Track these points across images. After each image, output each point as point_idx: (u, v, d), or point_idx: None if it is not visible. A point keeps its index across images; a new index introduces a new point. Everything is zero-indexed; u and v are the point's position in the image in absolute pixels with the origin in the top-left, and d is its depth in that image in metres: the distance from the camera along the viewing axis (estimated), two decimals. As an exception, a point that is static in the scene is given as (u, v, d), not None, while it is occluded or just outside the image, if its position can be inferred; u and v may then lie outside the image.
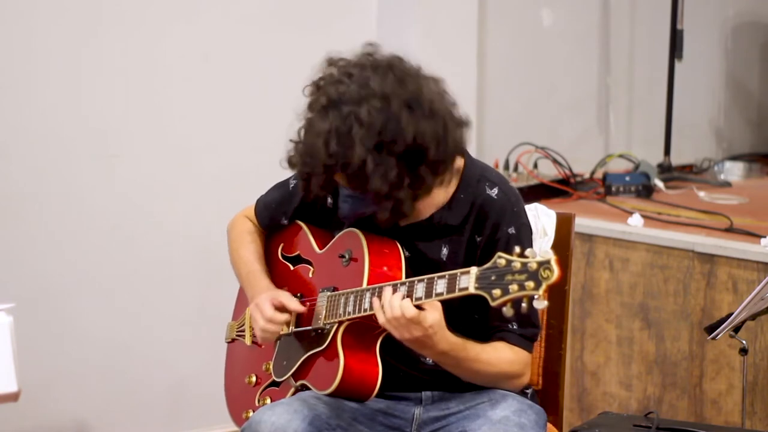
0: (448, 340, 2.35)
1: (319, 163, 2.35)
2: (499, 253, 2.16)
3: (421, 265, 2.48)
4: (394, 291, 2.32)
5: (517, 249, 2.15)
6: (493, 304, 2.14)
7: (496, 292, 2.13)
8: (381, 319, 2.32)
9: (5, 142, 3.62)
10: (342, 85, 2.36)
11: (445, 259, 2.49)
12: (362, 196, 2.41)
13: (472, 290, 2.18)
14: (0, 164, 3.62)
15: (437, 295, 2.26)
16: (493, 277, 2.15)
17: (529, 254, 2.12)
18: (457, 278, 2.22)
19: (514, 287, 2.11)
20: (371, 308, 2.37)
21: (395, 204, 2.37)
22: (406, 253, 2.50)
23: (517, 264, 2.12)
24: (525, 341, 2.47)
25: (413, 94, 2.35)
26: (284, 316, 2.54)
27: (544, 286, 2.09)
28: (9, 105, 3.62)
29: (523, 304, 2.12)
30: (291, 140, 2.46)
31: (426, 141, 2.33)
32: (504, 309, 2.13)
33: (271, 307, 2.54)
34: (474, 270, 2.19)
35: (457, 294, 2.22)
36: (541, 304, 2.10)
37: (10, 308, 2.01)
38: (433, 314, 2.29)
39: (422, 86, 2.38)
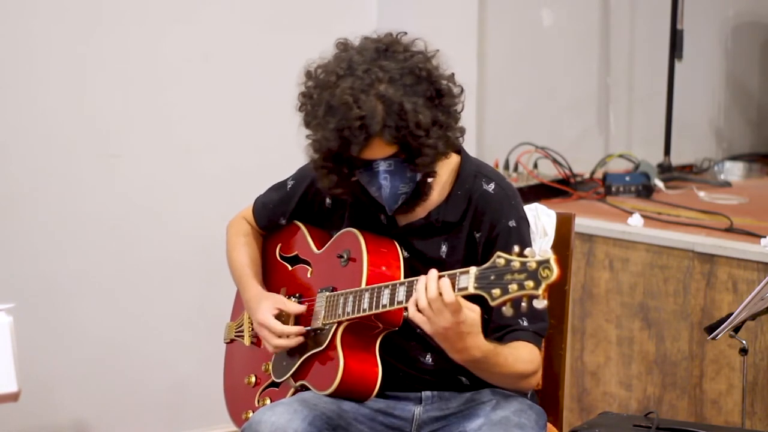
0: (482, 349, 2.31)
1: (354, 127, 2.32)
2: (498, 253, 2.15)
3: (420, 265, 2.48)
4: (393, 291, 2.32)
5: (516, 248, 2.14)
6: (492, 303, 2.13)
7: (496, 291, 2.13)
8: (422, 303, 2.23)
9: (5, 142, 3.62)
10: (340, 61, 2.40)
11: (444, 256, 2.49)
12: (400, 159, 2.38)
13: (471, 290, 2.17)
14: (0, 164, 3.62)
15: None
16: (492, 277, 2.14)
17: (528, 253, 2.12)
18: (457, 278, 2.21)
19: (513, 287, 2.11)
20: (370, 308, 2.36)
21: (432, 148, 2.35)
22: (405, 254, 2.50)
23: (516, 263, 2.12)
24: (537, 337, 2.47)
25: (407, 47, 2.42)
26: (295, 328, 2.52)
27: (543, 285, 2.09)
28: (9, 105, 3.62)
29: (523, 304, 2.11)
30: (308, 132, 2.46)
31: (437, 77, 2.39)
32: (503, 309, 2.13)
33: (277, 322, 2.54)
34: (473, 270, 2.18)
35: (456, 294, 2.21)
36: (540, 303, 2.10)
37: (10, 308, 2.01)
38: (471, 314, 2.25)
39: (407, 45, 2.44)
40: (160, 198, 3.87)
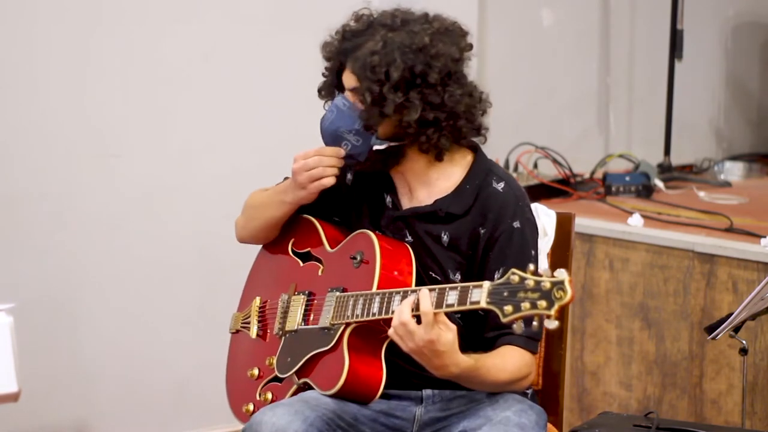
0: (460, 366, 2.32)
1: (335, 47, 2.52)
2: (513, 270, 2.15)
3: (421, 251, 2.51)
4: (404, 298, 2.32)
5: (531, 266, 2.14)
6: (504, 320, 2.14)
7: (508, 308, 2.13)
8: (395, 322, 2.28)
9: (5, 142, 3.62)
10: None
11: (446, 245, 2.50)
12: (354, 104, 2.48)
13: (483, 305, 2.17)
14: (0, 164, 3.62)
15: (448, 306, 2.25)
16: (505, 293, 2.14)
17: (543, 273, 2.12)
18: (469, 291, 2.21)
19: (526, 305, 2.11)
20: (379, 313, 2.36)
21: (373, 97, 2.43)
22: (409, 239, 2.51)
23: (530, 282, 2.12)
24: (531, 342, 2.47)
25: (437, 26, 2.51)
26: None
27: (556, 306, 2.09)
28: (9, 105, 3.62)
29: (534, 323, 2.11)
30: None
31: (442, 69, 2.44)
32: (514, 326, 2.13)
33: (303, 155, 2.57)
34: (486, 284, 2.18)
35: (468, 307, 2.21)
36: (551, 324, 2.09)
37: (10, 308, 2.01)
38: (446, 334, 2.27)
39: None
40: (160, 198, 3.86)
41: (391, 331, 2.30)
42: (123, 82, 3.77)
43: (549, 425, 2.59)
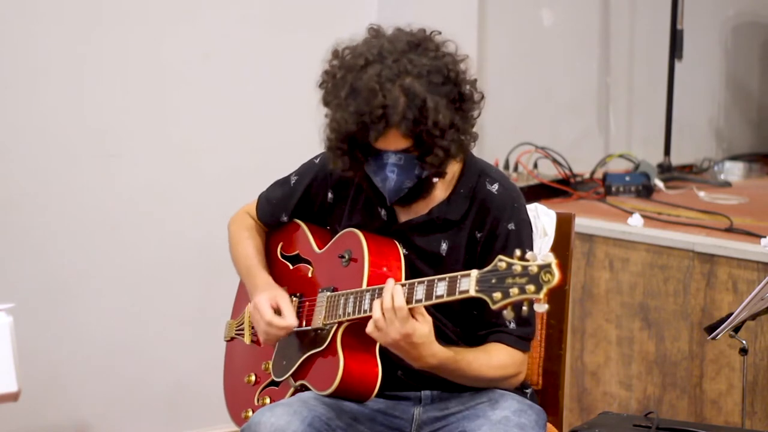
0: (438, 356, 2.34)
1: (375, 114, 2.31)
2: (500, 256, 2.15)
3: (420, 261, 2.49)
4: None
5: (518, 252, 2.14)
6: (493, 307, 2.13)
7: (497, 295, 2.13)
8: (376, 314, 2.30)
9: (5, 142, 3.62)
10: (370, 46, 2.39)
11: (444, 254, 2.49)
12: (411, 155, 2.38)
13: (472, 293, 2.17)
14: (0, 164, 3.62)
15: (437, 297, 2.25)
16: (493, 280, 2.14)
17: (530, 257, 2.12)
18: (458, 281, 2.21)
19: (514, 290, 2.11)
20: (371, 309, 2.37)
21: (444, 150, 2.35)
22: (404, 251, 2.51)
23: (517, 267, 2.12)
24: (522, 342, 2.47)
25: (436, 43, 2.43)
26: (284, 322, 2.52)
27: (545, 289, 2.09)
28: (9, 105, 3.62)
29: (524, 308, 2.11)
30: (327, 107, 2.43)
31: (462, 81, 2.39)
32: (504, 312, 2.13)
33: (270, 310, 2.53)
34: (474, 273, 2.18)
35: (457, 297, 2.22)
36: (541, 307, 2.10)
37: (10, 308, 2.01)
38: (421, 326, 2.29)
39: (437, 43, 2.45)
40: (160, 198, 3.87)
41: (369, 328, 2.31)
42: (123, 82, 3.77)
43: (549, 425, 2.59)
